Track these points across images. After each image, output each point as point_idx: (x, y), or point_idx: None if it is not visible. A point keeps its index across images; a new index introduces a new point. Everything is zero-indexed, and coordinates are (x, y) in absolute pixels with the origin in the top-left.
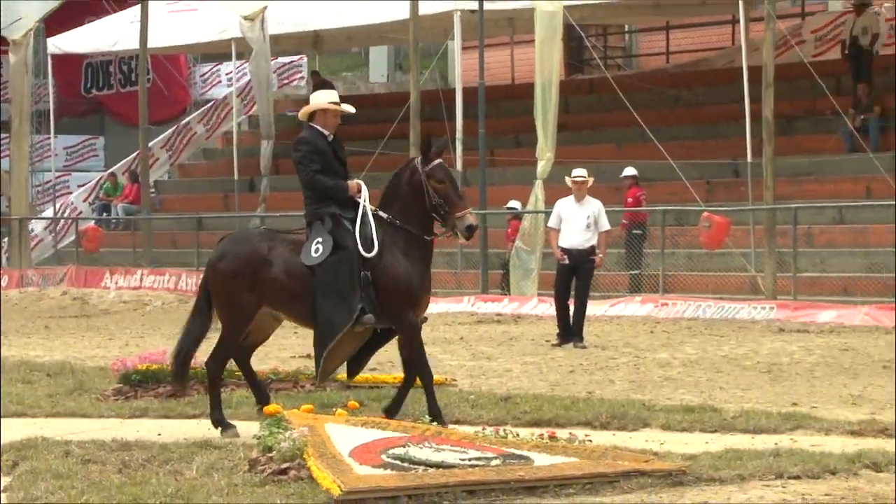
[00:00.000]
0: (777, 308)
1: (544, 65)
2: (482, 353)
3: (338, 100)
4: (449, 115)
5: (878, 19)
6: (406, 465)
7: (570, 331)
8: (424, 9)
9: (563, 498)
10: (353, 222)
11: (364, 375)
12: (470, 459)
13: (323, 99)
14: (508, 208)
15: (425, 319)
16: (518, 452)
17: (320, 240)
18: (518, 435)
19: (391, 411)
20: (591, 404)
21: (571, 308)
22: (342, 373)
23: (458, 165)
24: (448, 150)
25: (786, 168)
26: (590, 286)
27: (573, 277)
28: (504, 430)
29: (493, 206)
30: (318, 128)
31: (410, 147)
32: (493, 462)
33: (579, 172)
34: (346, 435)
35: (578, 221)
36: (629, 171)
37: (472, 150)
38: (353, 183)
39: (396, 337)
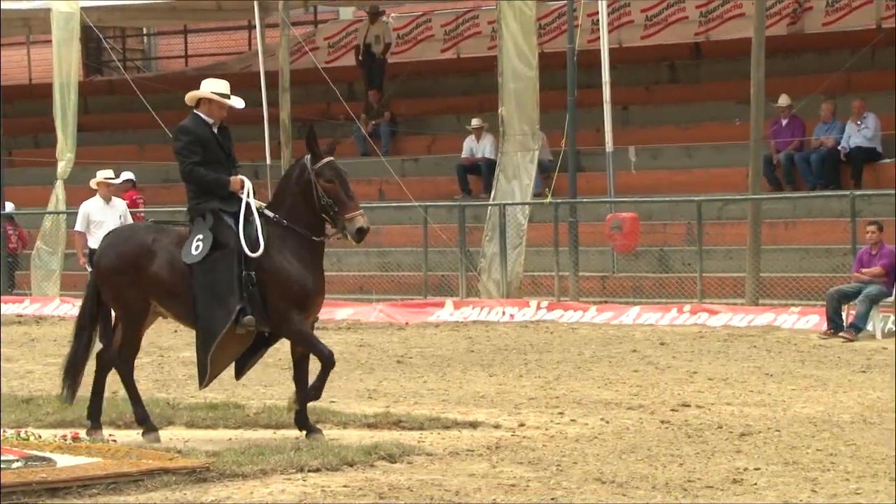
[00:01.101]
0: None
1: (62, 65)
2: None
3: (226, 91)
4: None
5: (388, 28)
6: None
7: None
8: None
9: (87, 498)
10: (237, 219)
11: None
12: None
13: (208, 88)
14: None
15: (316, 320)
16: (40, 454)
17: (201, 237)
18: (40, 437)
19: (299, 422)
20: (116, 404)
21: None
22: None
23: None
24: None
25: None
26: None
27: None
28: (26, 433)
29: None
30: (203, 116)
31: None
32: (15, 465)
33: (107, 174)
34: None
35: (109, 224)
36: (126, 174)
37: None
38: (235, 178)
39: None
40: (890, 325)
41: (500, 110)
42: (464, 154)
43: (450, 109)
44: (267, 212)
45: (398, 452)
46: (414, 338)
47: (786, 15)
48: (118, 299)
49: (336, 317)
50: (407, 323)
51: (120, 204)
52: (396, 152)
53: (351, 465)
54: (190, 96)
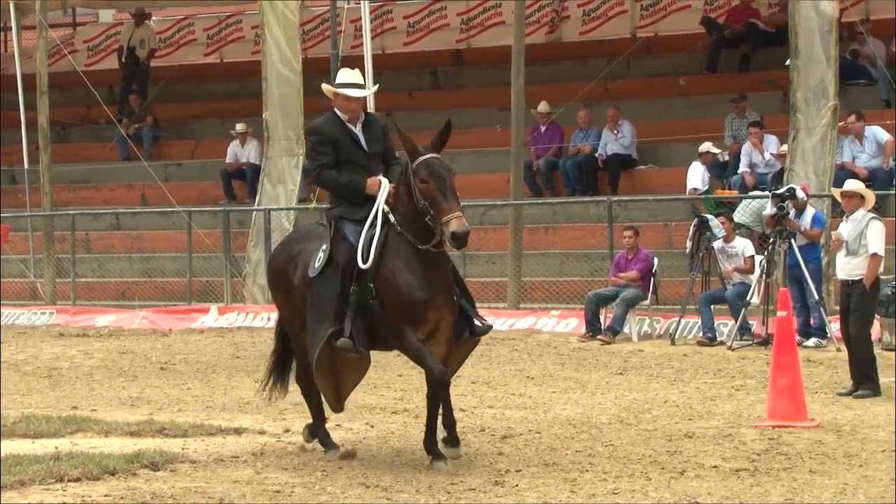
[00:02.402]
0: (57, 313)
1: None
2: None
3: (354, 80)
4: None
5: (153, 32)
6: None
7: None
8: None
9: None
10: (361, 225)
11: None
12: None
13: (338, 79)
14: None
15: (490, 327)
16: None
17: (324, 248)
18: None
19: (429, 443)
20: None
21: None
22: None
23: None
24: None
25: (63, 175)
26: None
27: None
28: None
29: None
30: (338, 112)
31: None
32: None
33: None
34: None
35: None
36: None
37: None
38: (373, 180)
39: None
40: (645, 327)
41: (264, 115)
42: (228, 159)
43: (213, 114)
44: (390, 216)
45: (161, 460)
46: (178, 344)
47: (544, 23)
48: (277, 307)
49: (97, 323)
50: (171, 329)
51: None
52: (159, 157)
53: (112, 474)
54: (325, 90)
